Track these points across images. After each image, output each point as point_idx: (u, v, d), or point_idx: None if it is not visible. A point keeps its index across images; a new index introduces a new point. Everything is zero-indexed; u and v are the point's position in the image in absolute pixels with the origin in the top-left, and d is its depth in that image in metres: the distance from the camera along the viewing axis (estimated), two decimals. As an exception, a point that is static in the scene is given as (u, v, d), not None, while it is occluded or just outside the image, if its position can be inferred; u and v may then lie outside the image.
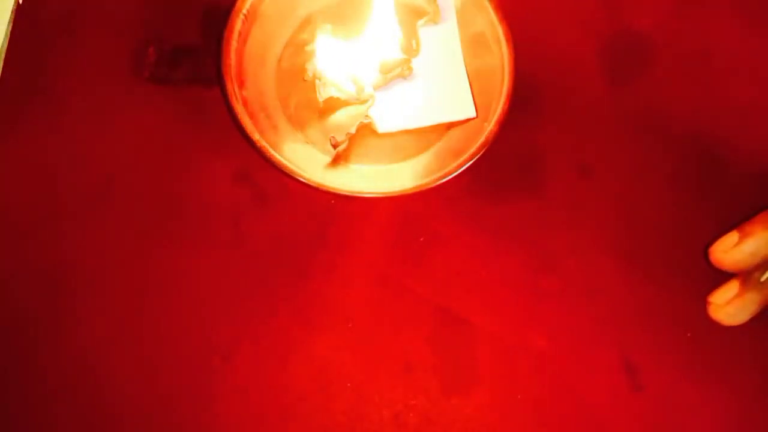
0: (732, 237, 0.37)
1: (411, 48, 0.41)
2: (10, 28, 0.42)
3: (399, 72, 0.41)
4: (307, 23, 0.42)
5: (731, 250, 0.37)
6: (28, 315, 0.38)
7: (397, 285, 0.39)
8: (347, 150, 0.40)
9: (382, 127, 0.40)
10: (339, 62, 0.40)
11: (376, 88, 0.41)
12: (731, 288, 0.37)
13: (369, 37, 0.40)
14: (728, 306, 0.37)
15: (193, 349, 0.38)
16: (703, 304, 0.38)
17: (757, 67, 0.43)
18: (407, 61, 0.41)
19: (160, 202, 0.40)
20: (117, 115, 0.41)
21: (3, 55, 0.41)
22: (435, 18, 0.41)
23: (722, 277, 0.38)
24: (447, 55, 0.41)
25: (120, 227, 0.39)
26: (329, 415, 0.38)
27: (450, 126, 0.41)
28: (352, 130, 0.39)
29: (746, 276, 0.37)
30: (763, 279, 0.37)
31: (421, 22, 0.41)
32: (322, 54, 0.40)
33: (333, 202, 0.40)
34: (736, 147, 0.42)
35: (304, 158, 0.40)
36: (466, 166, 0.38)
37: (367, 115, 0.40)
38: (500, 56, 0.40)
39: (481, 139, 0.39)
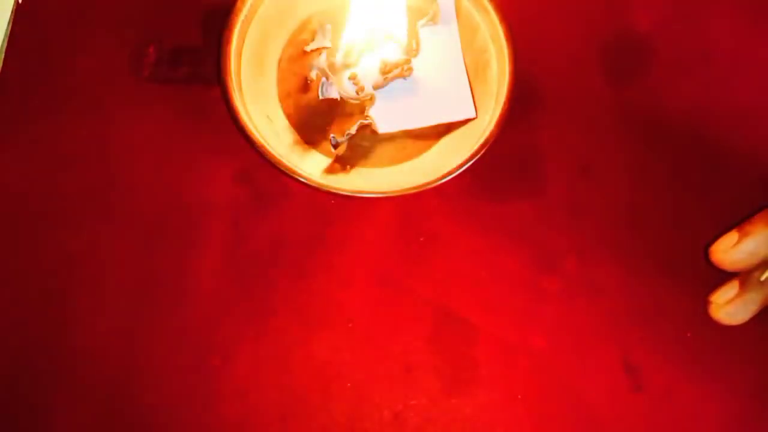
0: (732, 236, 0.37)
1: (411, 48, 0.41)
2: (10, 28, 0.42)
3: (399, 72, 0.41)
4: (307, 24, 0.42)
5: (731, 249, 0.37)
6: (27, 314, 0.38)
7: (397, 285, 0.39)
8: (347, 150, 0.40)
9: (382, 127, 0.40)
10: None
11: (376, 88, 0.41)
12: (731, 287, 0.38)
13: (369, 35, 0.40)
14: (728, 305, 0.37)
15: (193, 349, 0.38)
16: (704, 303, 0.38)
17: (757, 67, 0.43)
18: (407, 61, 0.41)
19: (160, 202, 0.40)
20: (117, 115, 0.41)
21: (3, 55, 0.41)
22: (435, 18, 0.41)
23: (722, 276, 0.38)
24: (447, 55, 0.41)
25: (120, 227, 0.39)
26: (329, 415, 0.38)
27: (450, 126, 0.41)
28: (352, 130, 0.39)
29: (746, 275, 0.37)
30: (763, 278, 0.37)
31: (421, 22, 0.41)
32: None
33: (333, 202, 0.40)
34: (736, 147, 0.42)
35: (304, 158, 0.40)
36: (466, 166, 0.38)
37: (367, 116, 0.40)
38: (500, 56, 0.40)
39: (481, 139, 0.39)
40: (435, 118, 0.41)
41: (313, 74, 0.40)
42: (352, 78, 0.41)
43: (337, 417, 0.38)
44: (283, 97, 0.41)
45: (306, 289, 0.39)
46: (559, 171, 0.41)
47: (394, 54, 0.41)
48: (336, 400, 0.38)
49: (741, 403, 0.39)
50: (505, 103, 0.39)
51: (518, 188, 0.41)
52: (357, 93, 0.41)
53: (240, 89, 0.39)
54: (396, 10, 0.39)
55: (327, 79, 0.40)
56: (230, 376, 0.38)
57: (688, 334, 0.39)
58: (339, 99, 0.41)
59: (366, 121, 0.40)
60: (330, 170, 0.40)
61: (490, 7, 0.40)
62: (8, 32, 0.41)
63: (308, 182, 0.38)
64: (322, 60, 0.40)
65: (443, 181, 0.38)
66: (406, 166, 0.40)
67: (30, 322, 0.38)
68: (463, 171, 0.38)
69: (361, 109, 0.41)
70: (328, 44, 0.41)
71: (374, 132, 0.40)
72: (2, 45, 0.41)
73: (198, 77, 0.41)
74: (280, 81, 0.41)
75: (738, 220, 0.38)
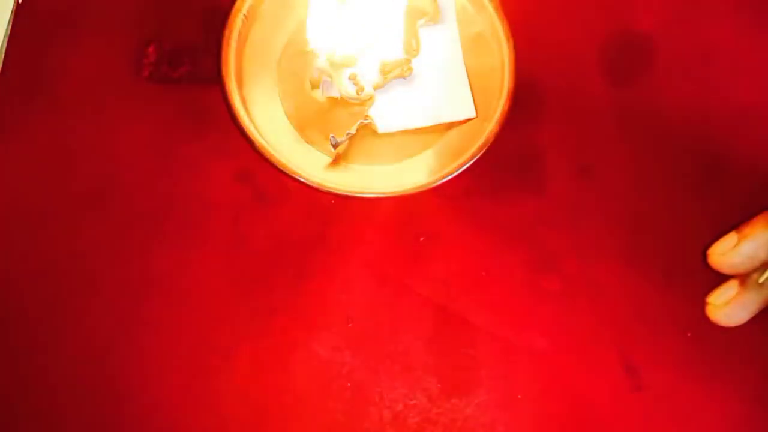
0: (730, 239, 0.37)
1: (411, 48, 0.41)
2: (10, 28, 0.41)
3: (399, 72, 0.41)
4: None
5: (729, 252, 0.37)
6: (27, 314, 0.38)
7: (397, 285, 0.39)
8: (347, 150, 0.40)
9: (382, 127, 0.40)
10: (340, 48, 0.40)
11: (376, 88, 0.41)
12: (729, 288, 0.37)
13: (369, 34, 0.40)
14: (726, 307, 0.37)
15: (193, 349, 0.38)
16: (703, 304, 0.38)
17: (757, 68, 0.43)
18: (407, 61, 0.41)
19: (160, 202, 0.40)
20: (117, 115, 0.41)
21: (3, 55, 0.41)
22: (435, 18, 0.41)
23: (722, 277, 0.38)
24: (447, 55, 0.41)
25: (120, 227, 0.39)
26: (329, 415, 0.38)
27: (450, 126, 0.41)
28: (352, 130, 0.39)
29: (744, 277, 0.37)
30: (761, 280, 0.37)
31: (421, 22, 0.41)
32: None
33: (333, 202, 0.40)
34: (736, 147, 0.42)
35: (304, 158, 0.40)
36: (466, 166, 0.38)
37: (367, 115, 0.40)
38: (500, 56, 0.40)
39: (481, 139, 0.39)
40: (435, 117, 0.41)
41: (314, 74, 0.40)
42: (352, 78, 0.41)
43: (337, 417, 0.38)
44: (283, 97, 0.41)
45: (306, 289, 0.39)
46: (559, 171, 0.41)
47: (394, 54, 0.41)
48: (336, 400, 0.38)
49: (741, 403, 0.39)
50: (505, 103, 0.39)
51: (518, 188, 0.41)
52: (357, 93, 0.41)
53: (240, 89, 0.39)
54: (394, 10, 0.39)
55: (328, 78, 0.40)
56: (230, 376, 0.38)
57: (688, 335, 0.39)
58: (339, 99, 0.41)
59: (366, 121, 0.40)
60: (330, 170, 0.40)
61: (490, 7, 0.41)
62: (8, 32, 0.41)
63: (308, 182, 0.38)
64: (322, 60, 0.40)
65: (443, 181, 0.38)
66: (406, 165, 0.40)
67: (30, 322, 0.38)
68: (463, 171, 0.38)
69: (361, 109, 0.41)
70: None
71: (374, 132, 0.40)
72: (2, 45, 0.41)
73: (198, 77, 0.41)
74: (280, 81, 0.41)
75: (737, 221, 0.38)
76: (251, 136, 0.38)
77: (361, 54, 0.41)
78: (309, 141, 0.41)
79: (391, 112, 0.41)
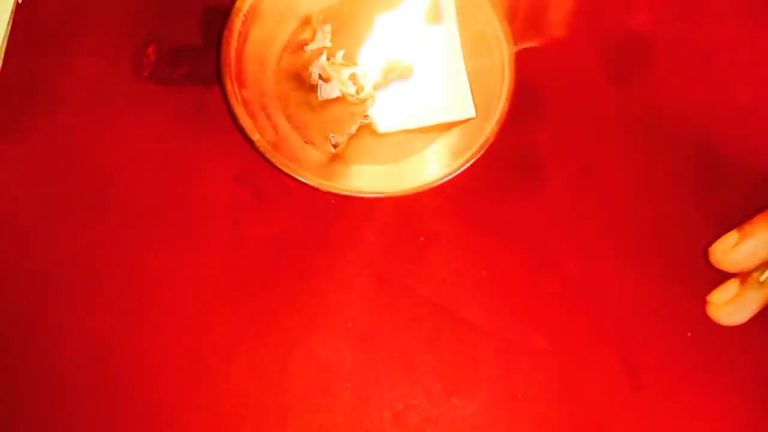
0: (732, 237, 0.37)
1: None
2: (9, 28, 0.41)
3: (399, 72, 0.41)
4: (307, 23, 0.42)
5: (731, 250, 0.37)
6: (27, 315, 0.38)
7: (397, 285, 0.39)
8: (347, 150, 0.40)
9: (382, 127, 0.40)
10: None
11: (376, 88, 0.41)
12: (730, 287, 0.37)
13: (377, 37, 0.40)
14: (727, 305, 0.37)
15: (193, 349, 0.38)
16: (703, 303, 0.38)
17: (757, 68, 0.43)
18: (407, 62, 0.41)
19: (160, 202, 0.40)
20: (117, 115, 0.41)
21: (2, 55, 0.41)
22: (435, 18, 0.41)
23: (722, 276, 0.38)
24: (447, 55, 0.41)
25: (120, 227, 0.39)
26: (329, 415, 0.38)
27: (450, 126, 0.41)
28: (352, 130, 0.39)
29: (746, 275, 0.37)
30: (762, 279, 0.37)
31: (421, 22, 0.41)
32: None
33: (333, 202, 0.40)
34: (736, 147, 0.42)
35: (304, 158, 0.40)
36: (466, 166, 0.38)
37: (367, 115, 0.40)
38: (500, 56, 0.40)
39: (481, 139, 0.39)
40: (435, 117, 0.41)
41: (314, 74, 0.40)
42: (352, 78, 0.41)
43: (337, 417, 0.38)
44: (283, 97, 0.41)
45: (306, 289, 0.39)
46: (559, 171, 0.41)
47: (394, 54, 0.41)
48: (336, 400, 0.38)
49: (741, 403, 0.39)
50: (505, 103, 0.39)
51: (518, 188, 0.41)
52: (357, 93, 0.41)
53: (240, 89, 0.39)
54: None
55: (327, 79, 0.40)
56: (230, 376, 0.38)
57: (688, 334, 0.39)
58: (339, 99, 0.41)
59: (366, 121, 0.40)
60: (330, 170, 0.40)
61: (490, 7, 0.40)
62: (8, 32, 0.41)
63: (308, 182, 0.38)
64: (322, 60, 0.40)
65: (443, 181, 0.38)
66: (406, 165, 0.40)
67: (29, 323, 0.38)
68: (463, 171, 0.38)
69: (361, 108, 0.41)
70: (328, 44, 0.41)
71: (374, 132, 0.40)
72: (2, 45, 0.41)
73: (198, 77, 0.41)
74: (280, 81, 0.41)
75: (738, 220, 0.38)
76: (251, 136, 0.38)
77: (361, 54, 0.41)
78: (309, 141, 0.41)
79: (391, 112, 0.41)
